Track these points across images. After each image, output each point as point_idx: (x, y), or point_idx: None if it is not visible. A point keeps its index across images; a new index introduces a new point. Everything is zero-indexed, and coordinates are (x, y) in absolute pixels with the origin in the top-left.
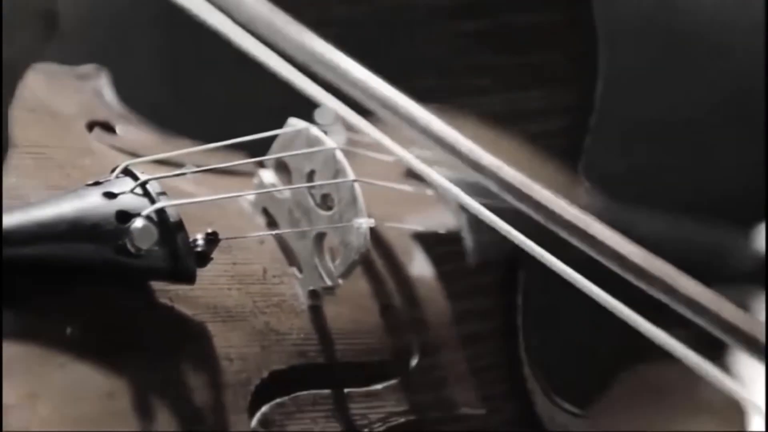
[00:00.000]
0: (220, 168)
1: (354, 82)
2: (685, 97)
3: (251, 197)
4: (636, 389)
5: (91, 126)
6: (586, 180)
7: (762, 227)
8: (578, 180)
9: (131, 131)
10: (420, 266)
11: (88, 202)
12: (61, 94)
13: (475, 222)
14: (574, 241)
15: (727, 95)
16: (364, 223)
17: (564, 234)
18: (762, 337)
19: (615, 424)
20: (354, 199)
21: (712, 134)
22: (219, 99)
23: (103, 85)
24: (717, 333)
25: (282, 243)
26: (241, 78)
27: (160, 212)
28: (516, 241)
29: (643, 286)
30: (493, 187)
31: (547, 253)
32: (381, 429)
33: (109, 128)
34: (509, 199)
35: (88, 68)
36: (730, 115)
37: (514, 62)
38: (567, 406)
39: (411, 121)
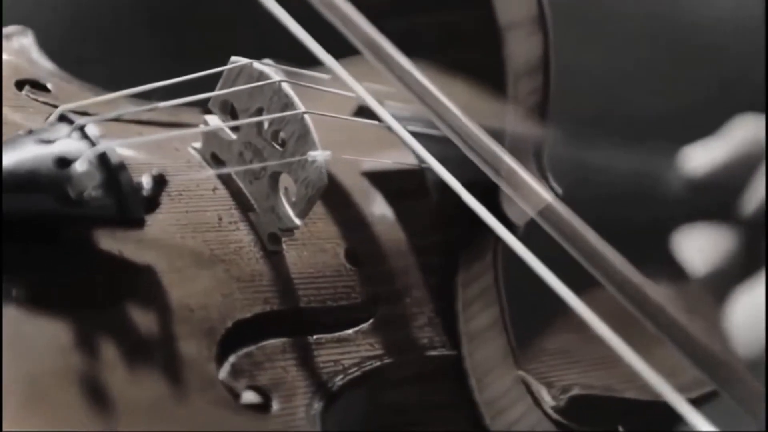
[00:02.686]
0: (165, 120)
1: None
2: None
3: (199, 145)
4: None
5: (20, 85)
6: None
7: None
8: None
9: (65, 88)
10: (380, 207)
11: (23, 151)
12: None
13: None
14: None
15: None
16: (319, 155)
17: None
18: None
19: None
20: (306, 132)
21: None
22: (159, 57)
23: (30, 45)
24: None
25: (235, 189)
26: (184, 32)
27: (101, 155)
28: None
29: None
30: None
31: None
32: (357, 374)
33: (40, 86)
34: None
35: (12, 29)
36: None
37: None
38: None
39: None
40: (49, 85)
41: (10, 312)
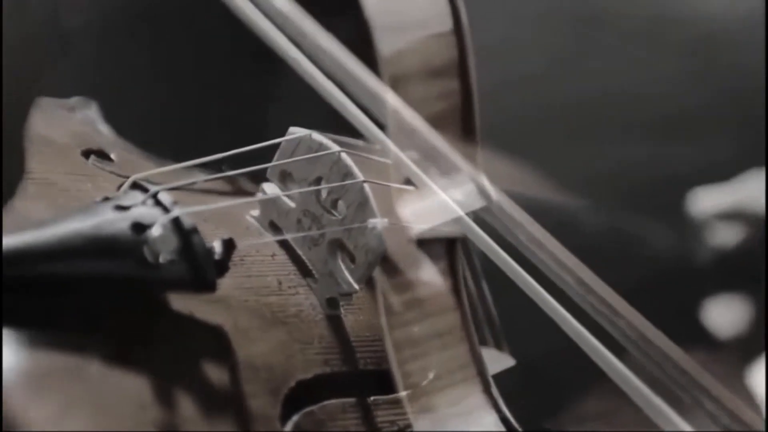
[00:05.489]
0: (223, 188)
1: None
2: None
3: (257, 212)
4: None
5: (86, 154)
6: None
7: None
8: None
9: (128, 158)
10: (429, 272)
11: (102, 217)
12: (54, 125)
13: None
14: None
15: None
16: (378, 223)
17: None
18: None
19: None
20: (365, 200)
21: None
22: (217, 129)
23: (94, 115)
24: None
25: (293, 254)
26: (239, 106)
27: (176, 220)
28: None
29: None
30: None
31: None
32: None
33: (104, 155)
34: None
35: (77, 100)
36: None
37: None
38: None
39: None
40: (112, 155)
41: (93, 368)
